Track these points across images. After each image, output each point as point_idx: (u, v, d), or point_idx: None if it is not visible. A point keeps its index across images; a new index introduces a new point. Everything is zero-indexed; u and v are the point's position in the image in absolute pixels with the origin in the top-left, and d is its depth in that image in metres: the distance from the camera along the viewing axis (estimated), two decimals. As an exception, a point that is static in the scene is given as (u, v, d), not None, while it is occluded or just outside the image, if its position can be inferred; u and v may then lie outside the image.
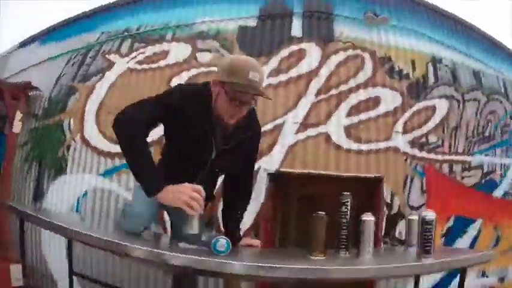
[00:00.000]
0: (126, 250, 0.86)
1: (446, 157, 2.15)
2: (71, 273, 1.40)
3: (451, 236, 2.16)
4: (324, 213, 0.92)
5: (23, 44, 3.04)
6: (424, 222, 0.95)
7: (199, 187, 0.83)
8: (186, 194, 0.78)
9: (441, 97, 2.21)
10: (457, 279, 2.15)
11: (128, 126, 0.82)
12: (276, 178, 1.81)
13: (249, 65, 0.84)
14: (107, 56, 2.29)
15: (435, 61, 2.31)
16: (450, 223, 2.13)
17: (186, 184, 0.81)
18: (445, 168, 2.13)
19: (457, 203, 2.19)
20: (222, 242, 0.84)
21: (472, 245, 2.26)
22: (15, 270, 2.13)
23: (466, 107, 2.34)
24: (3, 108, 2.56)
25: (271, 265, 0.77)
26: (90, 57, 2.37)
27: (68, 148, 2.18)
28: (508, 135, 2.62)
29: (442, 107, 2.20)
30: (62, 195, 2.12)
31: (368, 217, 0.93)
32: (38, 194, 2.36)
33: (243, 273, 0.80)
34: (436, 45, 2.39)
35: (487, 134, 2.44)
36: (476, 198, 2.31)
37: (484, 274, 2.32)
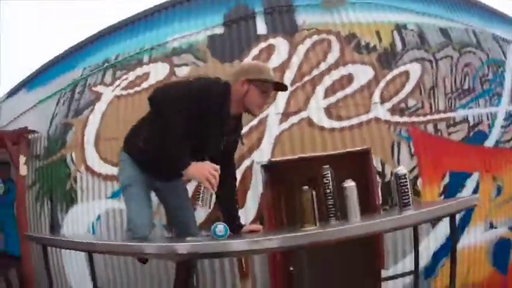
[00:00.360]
0: (141, 249, 1.06)
1: (429, 117, 2.31)
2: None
3: (449, 193, 2.30)
4: (308, 187, 1.09)
5: (11, 94, 3.32)
6: (397, 177, 1.09)
7: (218, 167, 1.00)
8: (207, 171, 0.96)
9: (412, 61, 2.38)
10: (463, 238, 2.35)
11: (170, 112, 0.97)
12: (269, 168, 2.00)
13: (267, 66, 1.19)
14: (93, 88, 2.53)
15: (399, 28, 2.49)
16: (446, 180, 2.28)
17: (208, 162, 1.00)
18: (430, 128, 2.29)
19: (449, 160, 2.34)
20: (220, 227, 1.02)
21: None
22: None
23: (439, 65, 2.50)
24: (6, 156, 2.83)
25: (265, 238, 0.94)
26: (78, 93, 2.61)
27: (75, 179, 2.41)
28: (488, 85, 2.78)
29: (415, 70, 2.37)
30: (77, 224, 2.35)
31: (349, 183, 1.05)
32: (54, 228, 2.59)
33: (241, 250, 0.96)
34: (397, 13, 2.57)
35: (466, 87, 2.59)
36: (468, 151, 2.45)
37: (492, 226, 2.46)
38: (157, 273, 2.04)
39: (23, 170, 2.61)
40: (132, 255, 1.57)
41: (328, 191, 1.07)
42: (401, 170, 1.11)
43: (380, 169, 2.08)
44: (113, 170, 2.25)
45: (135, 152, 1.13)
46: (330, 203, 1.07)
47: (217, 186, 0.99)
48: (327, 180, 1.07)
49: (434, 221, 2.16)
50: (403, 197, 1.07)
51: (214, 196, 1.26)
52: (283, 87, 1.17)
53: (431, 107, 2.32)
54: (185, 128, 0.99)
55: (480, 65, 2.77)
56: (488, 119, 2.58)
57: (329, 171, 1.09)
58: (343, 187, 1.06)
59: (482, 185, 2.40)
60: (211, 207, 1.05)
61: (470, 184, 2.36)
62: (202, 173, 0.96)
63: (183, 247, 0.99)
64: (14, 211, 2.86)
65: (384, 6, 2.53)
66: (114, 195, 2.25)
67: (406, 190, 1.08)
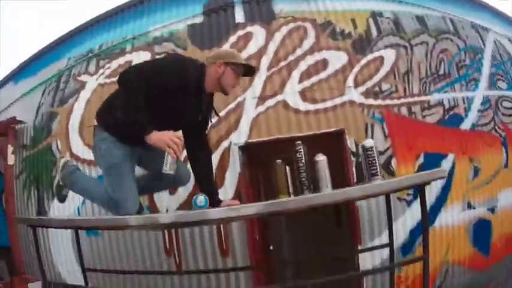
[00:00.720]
0: (126, 221, 1.17)
1: (403, 100, 2.48)
2: (83, 269, 1.71)
3: (424, 172, 2.48)
4: (281, 160, 1.22)
5: None
6: (364, 149, 1.19)
7: (179, 134, 1.15)
8: (168, 137, 1.11)
9: (387, 47, 2.56)
10: (440, 217, 2.51)
11: (132, 87, 1.12)
12: (246, 149, 2.16)
13: (239, 53, 1.49)
14: (77, 78, 2.70)
15: (375, 15, 2.67)
16: (421, 161, 2.45)
17: (169, 131, 1.13)
18: (404, 110, 2.47)
19: (424, 141, 2.50)
20: (201, 198, 1.16)
21: (449, 179, 2.58)
22: None
23: (414, 51, 2.68)
24: None
25: (242, 206, 1.09)
26: (63, 83, 2.77)
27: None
28: (465, 70, 2.97)
29: (389, 56, 2.54)
30: (63, 210, 2.49)
31: (320, 157, 1.18)
32: (41, 215, 2.73)
33: (220, 217, 1.08)
34: (374, 1, 2.76)
35: (441, 72, 2.77)
36: (443, 133, 2.63)
37: (470, 206, 2.63)
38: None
39: (11, 160, 2.76)
40: (117, 228, 1.72)
41: (301, 164, 1.18)
42: (369, 142, 1.21)
43: (354, 149, 2.25)
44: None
45: (111, 124, 1.24)
46: (302, 176, 1.17)
47: (180, 152, 1.14)
48: (299, 155, 1.18)
49: (410, 198, 2.35)
50: (371, 168, 1.17)
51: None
52: (253, 71, 1.36)
53: (405, 91, 2.50)
54: (150, 96, 1.13)
55: (457, 52, 2.96)
56: (464, 102, 2.76)
57: (301, 147, 1.20)
58: (314, 161, 1.17)
59: (458, 166, 2.57)
60: (175, 172, 1.17)
61: (446, 165, 2.52)
62: (163, 139, 1.10)
63: (166, 217, 1.13)
64: (3, 202, 3.01)
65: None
66: (100, 178, 2.39)
67: (374, 161, 1.17)
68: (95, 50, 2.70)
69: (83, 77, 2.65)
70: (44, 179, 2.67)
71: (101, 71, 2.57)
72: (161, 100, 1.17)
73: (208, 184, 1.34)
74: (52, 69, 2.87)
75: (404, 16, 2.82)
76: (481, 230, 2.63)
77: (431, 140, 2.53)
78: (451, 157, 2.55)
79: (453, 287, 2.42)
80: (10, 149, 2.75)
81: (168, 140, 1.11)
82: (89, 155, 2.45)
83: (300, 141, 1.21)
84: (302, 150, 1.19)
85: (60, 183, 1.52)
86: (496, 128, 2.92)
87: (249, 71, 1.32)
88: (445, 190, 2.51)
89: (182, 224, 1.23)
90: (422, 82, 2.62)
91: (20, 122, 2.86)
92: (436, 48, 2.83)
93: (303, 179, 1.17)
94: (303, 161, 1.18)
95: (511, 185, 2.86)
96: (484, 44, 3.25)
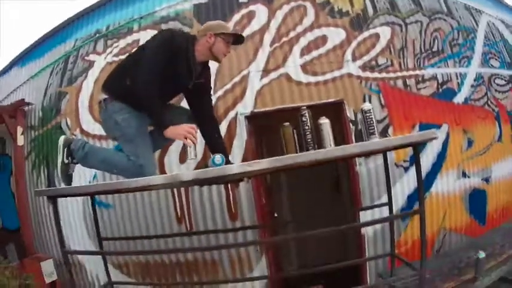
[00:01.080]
0: (149, 182, 1.29)
1: (398, 74, 2.74)
2: (99, 239, 1.82)
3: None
4: (288, 123, 1.43)
5: (2, 73, 3.66)
6: (363, 111, 1.39)
7: (194, 125, 1.34)
8: (183, 130, 1.29)
9: (383, 25, 2.82)
10: (436, 184, 2.76)
11: (144, 91, 1.29)
12: (251, 119, 2.40)
13: (227, 23, 1.58)
14: (85, 57, 2.91)
15: (372, -4, 2.94)
16: (416, 130, 2.71)
17: (183, 125, 1.32)
18: (400, 83, 2.73)
19: (419, 112, 2.77)
20: (218, 157, 1.36)
21: (444, 147, 2.84)
22: (47, 266, 2.69)
23: (408, 29, 2.95)
24: (1, 132, 3.16)
25: (257, 161, 1.28)
26: (71, 63, 2.98)
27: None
28: (458, 48, 3.24)
29: (385, 32, 2.80)
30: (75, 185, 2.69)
31: (324, 120, 1.37)
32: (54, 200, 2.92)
33: (237, 172, 1.23)
34: (371, -18, 3.02)
35: (435, 49, 3.04)
36: (437, 105, 2.89)
37: (465, 175, 2.90)
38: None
39: (21, 141, 2.95)
40: (140, 190, 1.88)
41: (306, 127, 1.36)
42: (367, 105, 1.41)
43: (353, 118, 2.49)
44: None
45: (127, 93, 1.36)
46: (308, 137, 1.36)
47: (196, 139, 1.31)
48: (305, 118, 1.37)
49: (406, 165, 2.59)
50: (369, 128, 1.36)
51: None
52: (242, 40, 1.52)
53: (400, 65, 2.76)
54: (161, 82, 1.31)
55: (450, 31, 3.24)
56: (457, 78, 3.04)
57: (306, 111, 1.38)
58: (318, 123, 1.37)
59: (452, 136, 2.84)
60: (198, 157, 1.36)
61: (440, 135, 2.79)
62: (179, 133, 1.29)
63: (188, 175, 1.31)
64: (10, 186, 3.19)
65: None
66: (115, 148, 2.61)
67: (371, 122, 1.36)
68: (102, 31, 2.91)
69: (91, 57, 2.86)
70: (54, 156, 2.87)
71: (109, 50, 2.79)
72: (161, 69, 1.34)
73: (218, 151, 1.50)
74: (59, 50, 3.07)
75: (399, -4, 3.10)
76: (476, 199, 2.90)
77: (426, 111, 2.80)
78: (445, 127, 2.82)
79: (451, 250, 2.67)
80: (20, 130, 2.94)
81: (184, 132, 1.30)
82: (99, 130, 2.67)
83: (305, 106, 1.42)
84: (307, 114, 1.39)
85: (73, 161, 1.52)
86: (489, 103, 3.20)
87: (238, 39, 1.48)
88: (440, 158, 2.77)
89: (202, 180, 1.39)
90: (417, 58, 2.88)
91: (28, 103, 3.06)
92: (430, 27, 3.11)
93: (309, 140, 1.36)
94: (308, 123, 1.37)
95: (504, 158, 3.17)
96: (477, 25, 3.54)
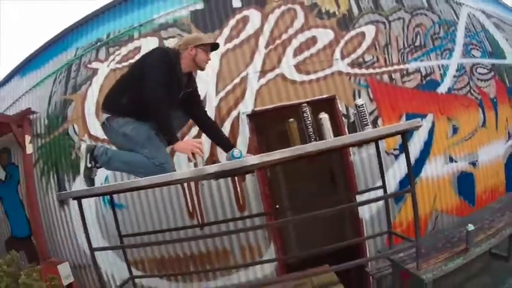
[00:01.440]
0: (174, 176, 1.55)
1: (384, 69, 3.10)
2: (120, 235, 2.10)
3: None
4: (293, 119, 1.75)
5: (2, 83, 3.88)
6: (357, 106, 1.72)
7: (200, 140, 1.62)
8: (190, 145, 1.54)
9: (367, 23, 3.18)
10: (425, 169, 3.15)
11: (155, 102, 1.53)
12: (253, 117, 2.72)
13: (202, 34, 1.95)
14: (88, 65, 3.17)
15: (356, -5, 3.29)
16: (403, 120, 3.08)
17: (190, 139, 1.67)
18: (386, 78, 3.10)
19: (405, 103, 3.14)
20: (236, 151, 1.67)
21: (430, 135, 3.23)
22: (64, 269, 2.97)
23: (392, 26, 3.32)
24: (6, 142, 3.39)
25: (273, 152, 1.57)
26: (74, 71, 3.24)
27: (79, 148, 3.00)
28: (439, 41, 3.63)
29: (370, 31, 3.16)
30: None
31: (323, 115, 1.69)
32: (62, 203, 3.18)
33: (256, 163, 1.52)
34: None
35: (417, 43, 3.42)
36: (421, 96, 3.28)
37: (452, 160, 3.29)
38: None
39: (29, 149, 3.20)
40: (166, 184, 2.09)
41: (308, 122, 1.68)
42: (360, 101, 1.74)
43: (345, 112, 2.85)
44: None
45: (132, 108, 1.59)
46: (310, 130, 1.67)
47: (203, 153, 1.59)
48: (306, 114, 1.68)
49: (396, 153, 2.97)
50: (363, 120, 1.70)
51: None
52: (217, 46, 1.79)
53: (385, 61, 3.13)
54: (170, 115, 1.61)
55: (431, 25, 3.62)
56: (440, 69, 3.43)
57: (307, 108, 1.70)
58: (318, 118, 1.69)
59: (437, 124, 3.23)
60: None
61: (426, 124, 3.17)
62: (187, 148, 1.54)
63: (212, 168, 1.55)
64: (18, 195, 3.43)
65: (342, -23, 3.33)
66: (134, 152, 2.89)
67: (364, 114, 1.69)
68: (103, 39, 3.18)
69: (94, 64, 3.13)
70: (64, 162, 3.14)
71: (112, 57, 3.06)
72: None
73: (225, 145, 1.84)
74: (60, 59, 3.32)
75: (383, -5, 3.46)
76: (465, 182, 3.30)
77: (411, 102, 3.18)
78: (430, 117, 3.21)
79: (444, 229, 3.06)
80: (28, 138, 3.19)
81: (192, 147, 1.55)
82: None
83: (305, 103, 1.73)
84: (308, 110, 1.71)
85: (96, 165, 1.72)
86: (472, 91, 3.60)
87: (214, 47, 1.75)
88: (427, 145, 3.16)
89: (225, 172, 1.66)
90: (401, 53, 3.25)
91: (33, 112, 3.30)
92: (412, 22, 3.48)
93: (311, 133, 1.68)
94: (310, 118, 1.69)
95: (489, 142, 3.58)
96: (457, 17, 3.94)
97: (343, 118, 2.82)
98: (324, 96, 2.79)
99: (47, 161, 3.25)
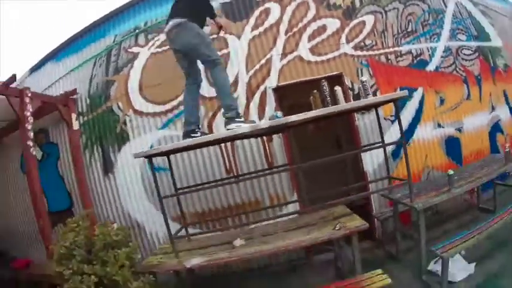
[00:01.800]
0: (239, 130, 2.86)
1: (381, 51, 4.52)
2: (176, 188, 3.46)
3: (401, 102, 4.53)
4: (316, 91, 3.09)
5: (34, 69, 4.98)
6: (361, 82, 3.13)
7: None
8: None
9: (368, 13, 4.58)
10: (417, 133, 4.66)
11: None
12: (277, 90, 4.04)
13: None
14: (129, 50, 4.37)
15: (360, -13, 4.71)
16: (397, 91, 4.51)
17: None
18: (383, 58, 4.51)
19: (399, 79, 4.57)
20: (279, 113, 3.00)
21: (421, 104, 4.67)
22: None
23: (388, 15, 4.75)
24: (43, 123, 4.51)
25: (306, 113, 2.86)
26: (114, 55, 4.42)
27: (125, 123, 4.22)
28: (429, 27, 5.12)
29: (369, 20, 4.57)
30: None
31: (337, 87, 3.07)
32: (108, 167, 4.36)
33: (296, 119, 2.90)
34: (358, -21, 4.80)
35: (410, 29, 4.88)
36: (413, 73, 4.73)
37: (440, 125, 4.75)
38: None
39: (76, 125, 4.34)
40: (233, 139, 3.44)
41: (325, 93, 3.05)
42: (364, 77, 3.14)
43: (350, 86, 4.23)
44: (161, 108, 4.13)
45: (197, 16, 3.06)
46: (328, 99, 3.06)
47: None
48: (325, 87, 3.06)
49: (392, 118, 4.38)
50: (366, 91, 3.11)
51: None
52: None
53: (382, 44, 4.54)
54: None
55: (422, 13, 5.10)
56: (428, 51, 4.89)
57: (325, 83, 3.07)
58: (334, 89, 3.08)
59: (426, 96, 4.68)
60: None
61: (417, 96, 4.62)
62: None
63: (264, 124, 2.87)
64: (58, 170, 4.55)
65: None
66: (163, 126, 4.12)
67: (367, 87, 3.10)
68: (141, 27, 4.40)
69: (134, 49, 4.34)
70: (108, 135, 4.32)
71: (151, 42, 4.29)
72: None
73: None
74: (99, 45, 4.50)
75: (381, -11, 4.90)
76: (452, 145, 4.77)
77: (404, 78, 4.61)
78: (420, 90, 4.65)
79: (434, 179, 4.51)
80: (74, 116, 4.33)
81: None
82: (152, 108, 4.16)
83: (324, 79, 3.11)
84: (326, 84, 3.08)
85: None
86: (457, 69, 5.11)
87: None
88: (418, 112, 4.59)
89: (273, 127, 2.97)
90: (395, 37, 4.68)
91: (76, 92, 4.44)
92: (405, 11, 4.94)
93: (326, 101, 3.08)
94: (327, 90, 3.08)
95: (473, 113, 5.07)
96: (445, 6, 5.46)
97: (349, 90, 4.20)
98: (334, 73, 4.16)
99: (90, 136, 4.42)
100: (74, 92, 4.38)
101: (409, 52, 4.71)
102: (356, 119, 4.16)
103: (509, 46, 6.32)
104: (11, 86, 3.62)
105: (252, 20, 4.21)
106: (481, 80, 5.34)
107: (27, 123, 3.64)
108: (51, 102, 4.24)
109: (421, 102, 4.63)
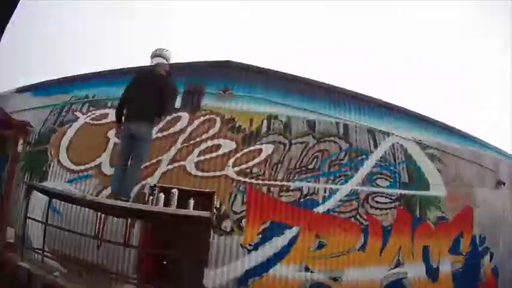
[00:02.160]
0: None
1: (266, 182, 5.41)
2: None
3: (268, 234, 5.36)
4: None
5: (19, 91, 7.03)
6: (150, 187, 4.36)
7: None
8: None
9: (269, 142, 5.48)
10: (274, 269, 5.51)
11: None
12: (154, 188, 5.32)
13: None
14: (74, 112, 6.06)
15: (271, 118, 5.64)
16: (266, 225, 5.36)
17: None
18: (264, 189, 5.38)
19: (275, 213, 5.42)
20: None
21: (291, 244, 5.42)
22: (10, 231, 5.99)
23: (291, 148, 5.55)
24: (7, 134, 6.48)
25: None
26: (65, 111, 6.19)
27: (49, 166, 5.93)
28: (338, 167, 5.75)
29: (267, 149, 5.47)
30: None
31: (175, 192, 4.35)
32: (28, 193, 6.18)
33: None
34: (276, 107, 5.68)
35: (310, 166, 5.61)
36: (294, 211, 5.49)
37: (307, 269, 5.45)
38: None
39: (19, 148, 6.23)
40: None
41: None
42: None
43: (218, 206, 5.26)
44: (73, 167, 5.73)
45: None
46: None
47: None
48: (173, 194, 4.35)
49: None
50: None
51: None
52: None
53: (270, 176, 5.41)
54: None
55: (337, 152, 5.75)
56: (325, 192, 5.58)
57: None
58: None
59: (301, 236, 5.43)
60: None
61: (289, 233, 5.40)
62: None
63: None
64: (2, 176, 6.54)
65: (266, 101, 5.69)
66: (69, 181, 5.71)
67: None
68: (89, 97, 6.06)
69: (77, 113, 6.03)
70: (37, 169, 6.09)
71: (89, 113, 5.92)
72: None
73: None
74: (60, 98, 6.32)
75: (296, 120, 5.73)
76: None
77: (281, 214, 5.45)
78: (295, 229, 5.41)
79: None
80: (21, 141, 6.21)
81: None
82: (68, 164, 5.79)
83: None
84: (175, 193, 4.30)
85: None
86: (358, 216, 5.67)
87: None
88: (284, 251, 5.36)
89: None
90: (288, 172, 5.50)
91: (31, 126, 6.29)
92: (315, 147, 5.68)
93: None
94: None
95: (362, 265, 5.58)
96: (375, 147, 5.97)
97: (214, 210, 5.22)
98: (207, 190, 5.23)
99: (27, 163, 6.25)
100: (27, 123, 6.25)
101: (299, 189, 5.50)
102: (212, 237, 5.20)
103: (457, 197, 6.46)
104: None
105: (161, 123, 5.49)
106: (390, 232, 5.79)
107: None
108: (9, 121, 6.13)
109: (292, 242, 5.39)
